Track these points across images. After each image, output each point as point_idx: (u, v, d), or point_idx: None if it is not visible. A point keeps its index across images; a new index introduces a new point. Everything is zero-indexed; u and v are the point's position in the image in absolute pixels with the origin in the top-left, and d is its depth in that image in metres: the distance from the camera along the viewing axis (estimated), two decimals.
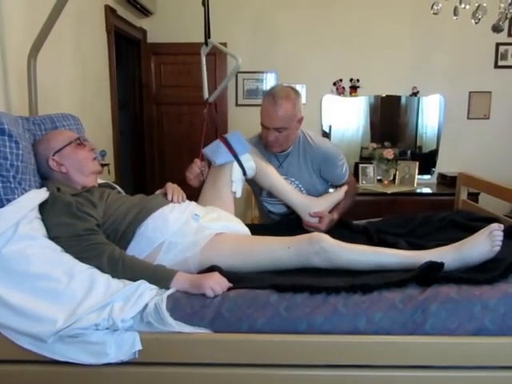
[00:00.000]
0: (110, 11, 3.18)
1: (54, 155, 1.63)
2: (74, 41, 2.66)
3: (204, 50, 2.24)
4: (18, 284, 1.29)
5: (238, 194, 1.92)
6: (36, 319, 1.25)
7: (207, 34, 2.20)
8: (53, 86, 2.35)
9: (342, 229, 1.97)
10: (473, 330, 1.27)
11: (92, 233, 1.44)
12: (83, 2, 2.76)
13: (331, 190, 2.22)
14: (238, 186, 1.91)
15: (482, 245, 1.45)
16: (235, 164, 1.89)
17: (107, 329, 1.27)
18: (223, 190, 1.89)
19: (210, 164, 1.97)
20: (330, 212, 1.97)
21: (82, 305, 1.27)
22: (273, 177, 1.98)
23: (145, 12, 3.88)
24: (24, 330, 1.25)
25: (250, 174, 1.94)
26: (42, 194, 1.50)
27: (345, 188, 2.06)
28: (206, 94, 2.21)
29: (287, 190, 1.99)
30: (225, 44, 4.00)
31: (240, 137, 1.92)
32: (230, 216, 1.82)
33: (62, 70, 2.50)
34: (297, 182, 2.14)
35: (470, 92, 4.13)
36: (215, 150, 1.88)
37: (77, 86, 2.72)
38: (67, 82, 2.57)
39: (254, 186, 2.17)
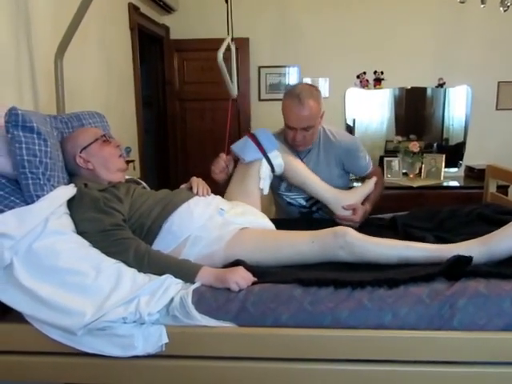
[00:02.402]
0: (133, 9, 3.22)
1: (80, 152, 1.66)
2: (99, 40, 2.71)
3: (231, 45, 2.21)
4: (48, 278, 1.32)
5: (266, 191, 1.92)
6: (65, 312, 1.27)
7: (230, 29, 2.17)
8: (79, 85, 2.40)
9: (367, 223, 1.95)
10: (502, 325, 1.24)
11: (118, 228, 1.47)
12: (107, 0, 2.80)
13: (356, 184, 2.20)
14: (265, 182, 1.91)
15: (511, 239, 1.41)
16: (264, 161, 1.89)
17: (134, 322, 1.29)
18: (251, 187, 1.90)
19: (236, 159, 1.97)
20: (362, 204, 1.96)
21: (110, 298, 1.29)
22: (303, 173, 1.97)
23: (167, 9, 3.90)
24: (54, 322, 1.28)
25: (278, 170, 1.94)
26: (69, 190, 1.53)
27: (374, 179, 2.04)
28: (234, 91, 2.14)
29: (319, 185, 1.97)
30: (247, 39, 4.00)
31: (268, 133, 1.92)
32: (255, 211, 1.82)
33: (87, 68, 2.54)
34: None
35: (498, 82, 4.02)
36: (243, 147, 1.89)
37: (102, 84, 2.76)
38: (92, 81, 2.62)
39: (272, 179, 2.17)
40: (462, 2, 2.45)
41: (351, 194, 1.98)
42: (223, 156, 2.00)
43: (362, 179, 2.23)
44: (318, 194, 1.98)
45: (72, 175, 1.69)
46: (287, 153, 2.00)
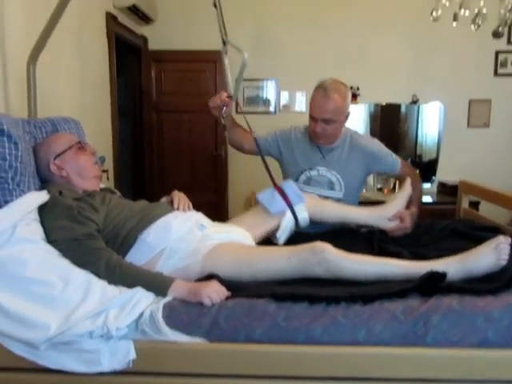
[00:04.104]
0: (111, 18, 3.18)
1: (54, 159, 1.62)
2: (74, 47, 2.66)
3: (223, 50, 2.14)
4: (13, 288, 1.27)
5: (281, 241, 1.82)
6: (29, 325, 1.22)
7: (224, 33, 2.10)
8: (52, 91, 2.34)
9: (343, 236, 1.93)
10: (476, 342, 1.24)
11: (91, 238, 1.42)
12: (84, 8, 2.76)
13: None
14: (284, 233, 1.83)
15: (488, 257, 1.42)
16: (288, 212, 1.84)
17: (101, 336, 1.24)
18: (264, 225, 1.83)
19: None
20: (406, 208, 1.93)
21: (77, 311, 1.24)
22: (337, 209, 1.93)
23: (146, 19, 3.88)
24: (17, 335, 1.23)
25: (302, 224, 1.87)
26: (41, 197, 1.48)
27: (408, 180, 1.98)
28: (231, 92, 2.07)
29: (354, 214, 1.93)
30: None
31: (295, 186, 1.90)
32: (240, 230, 1.75)
33: (61, 75, 2.49)
34: (338, 176, 2.12)
35: (469, 100, 4.13)
36: (270, 198, 1.85)
37: (76, 91, 2.70)
38: (67, 88, 2.56)
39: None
40: (435, 20, 2.50)
41: (390, 205, 1.92)
42: (223, 94, 1.94)
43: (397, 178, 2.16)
44: (356, 221, 1.94)
45: (44, 181, 1.63)
46: (315, 198, 1.96)
